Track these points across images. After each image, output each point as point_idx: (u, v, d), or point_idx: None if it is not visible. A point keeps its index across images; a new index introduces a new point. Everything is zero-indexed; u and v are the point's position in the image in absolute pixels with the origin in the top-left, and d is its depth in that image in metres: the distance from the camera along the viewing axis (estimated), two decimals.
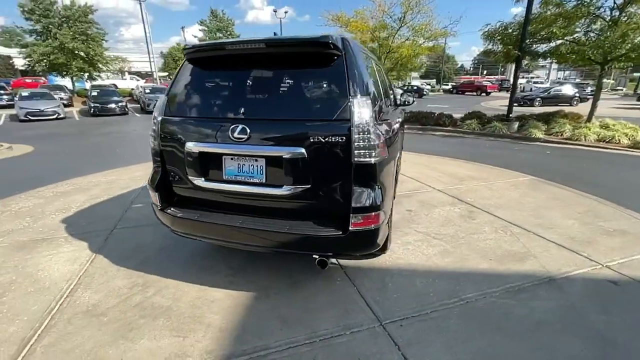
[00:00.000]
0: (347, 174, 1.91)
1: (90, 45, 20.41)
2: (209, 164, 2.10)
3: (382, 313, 2.16)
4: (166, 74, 40.94)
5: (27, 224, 3.60)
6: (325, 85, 2.01)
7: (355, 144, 1.85)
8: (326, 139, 1.87)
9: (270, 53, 1.99)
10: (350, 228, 1.93)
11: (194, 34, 27.89)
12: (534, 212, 3.83)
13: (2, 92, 17.38)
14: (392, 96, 3.64)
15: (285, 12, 27.32)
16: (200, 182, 2.14)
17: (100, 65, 22.07)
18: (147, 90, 17.99)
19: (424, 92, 30.95)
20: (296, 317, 2.13)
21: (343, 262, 2.76)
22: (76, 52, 20.14)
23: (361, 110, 1.86)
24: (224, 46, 2.00)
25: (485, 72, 69.50)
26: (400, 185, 4.81)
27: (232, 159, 2.06)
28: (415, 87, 31.34)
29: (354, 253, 2.16)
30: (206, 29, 26.02)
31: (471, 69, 75.96)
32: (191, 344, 1.92)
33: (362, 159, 1.88)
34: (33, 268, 2.72)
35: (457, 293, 2.36)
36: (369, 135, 1.88)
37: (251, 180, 2.05)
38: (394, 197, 3.27)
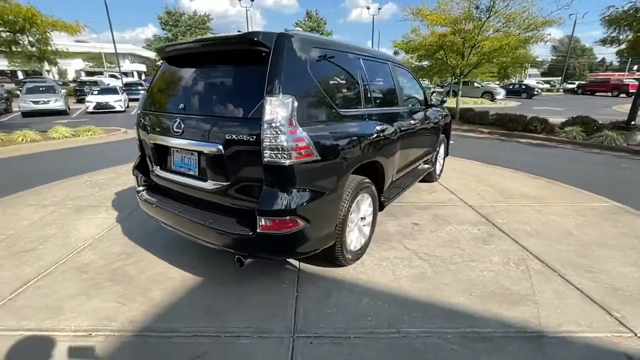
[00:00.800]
0: (260, 174, 1.86)
1: None
2: (161, 155, 2.32)
3: (302, 325, 2.04)
4: None
5: (94, 192, 4.54)
6: (249, 83, 1.97)
7: (264, 143, 1.79)
8: (240, 137, 1.85)
9: (207, 52, 2.06)
10: (257, 230, 1.88)
11: None
12: (582, 248, 2.97)
13: (139, 87, 22.05)
14: (401, 97, 3.31)
15: (379, 9, 26.88)
16: (157, 170, 2.38)
17: None
18: None
19: (535, 92, 26.35)
20: (221, 310, 2.19)
21: (303, 266, 2.68)
22: None
23: (275, 110, 1.78)
24: (175, 46, 2.17)
25: (635, 67, 55.04)
26: (427, 196, 4.33)
27: (177, 151, 2.23)
28: (523, 87, 26.97)
29: (268, 256, 2.09)
30: (301, 29, 27.50)
31: (613, 63, 61.21)
32: (124, 311, 2.17)
33: (273, 160, 1.81)
34: (72, 227, 3.45)
35: (399, 324, 2.05)
36: (281, 136, 1.78)
37: (189, 173, 2.18)
38: (382, 208, 2.99)
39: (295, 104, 1.85)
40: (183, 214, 2.19)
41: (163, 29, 24.99)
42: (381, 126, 2.71)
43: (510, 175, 5.38)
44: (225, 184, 1.99)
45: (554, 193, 4.47)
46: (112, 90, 17.37)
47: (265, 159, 1.81)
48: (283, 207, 1.85)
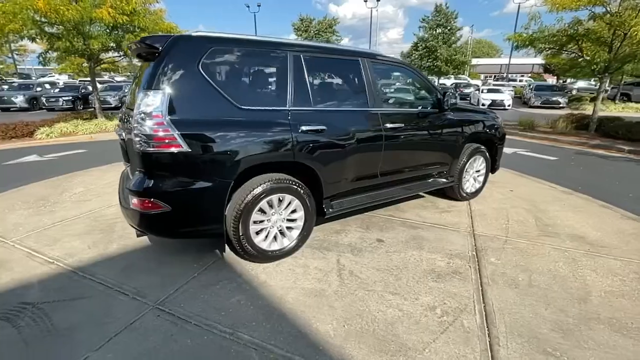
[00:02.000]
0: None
1: None
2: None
3: (169, 300, 2.23)
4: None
5: None
6: (147, 79, 2.23)
7: (133, 132, 2.05)
8: (129, 127, 2.17)
9: (138, 53, 2.43)
10: (130, 205, 2.18)
11: (414, 32, 28.71)
12: (577, 322, 2.04)
13: None
14: (376, 97, 2.98)
15: None
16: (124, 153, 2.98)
17: None
18: None
19: None
20: (136, 270, 2.59)
21: (229, 255, 2.82)
22: None
23: (144, 102, 2.02)
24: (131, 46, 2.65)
25: None
26: (432, 214, 3.72)
27: None
28: None
29: (143, 231, 2.31)
30: (426, 25, 25.89)
31: None
32: (84, 253, 2.84)
33: (139, 148, 2.05)
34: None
35: (241, 327, 1.99)
36: (145, 127, 2.01)
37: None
38: (323, 215, 2.82)
39: (167, 98, 2.04)
40: (122, 189, 2.72)
41: (296, 34, 28.10)
42: (312, 126, 2.55)
43: (590, 210, 3.91)
44: (127, 164, 2.38)
45: (633, 243, 3.06)
46: None
47: (134, 146, 2.09)
48: (142, 190, 2.10)
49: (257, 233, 2.57)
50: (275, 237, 2.67)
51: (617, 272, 2.59)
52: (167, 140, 2.05)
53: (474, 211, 3.81)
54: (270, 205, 2.56)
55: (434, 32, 25.26)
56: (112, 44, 9.28)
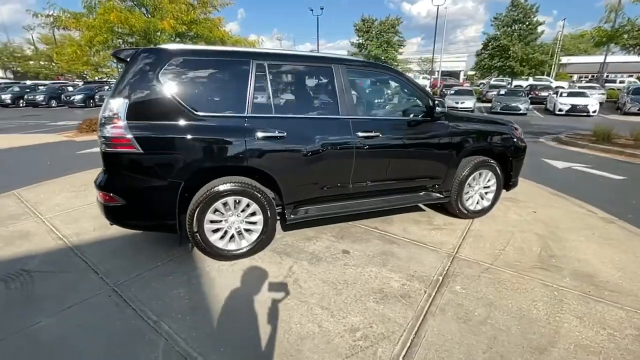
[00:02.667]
0: None
1: (388, 50, 25.05)
2: None
3: (126, 284, 2.50)
4: (473, 72, 41.92)
5: None
6: (114, 87, 2.49)
7: (98, 134, 2.35)
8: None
9: (119, 63, 2.75)
10: (97, 198, 2.50)
11: (483, 31, 26.06)
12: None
13: None
14: (347, 104, 2.90)
15: None
16: None
17: None
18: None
19: None
20: (118, 254, 2.95)
21: (197, 254, 3.02)
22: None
23: (107, 108, 2.31)
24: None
25: None
26: (420, 230, 3.46)
27: None
28: None
29: (108, 220, 2.59)
30: (499, 23, 23.16)
31: None
32: (88, 234, 3.33)
33: (102, 148, 2.35)
34: None
35: (164, 317, 2.15)
36: (105, 129, 2.30)
37: None
38: (285, 221, 2.84)
39: (126, 104, 2.30)
40: None
41: (357, 35, 27.93)
42: (270, 133, 2.59)
43: (626, 245, 3.19)
44: None
45: None
46: None
47: (100, 146, 2.39)
48: (102, 184, 2.40)
49: (214, 232, 2.72)
50: (232, 238, 2.79)
51: (610, 324, 2.11)
52: (122, 142, 2.31)
53: (471, 231, 3.42)
54: (227, 207, 2.68)
55: (509, 29, 22.61)
56: None
